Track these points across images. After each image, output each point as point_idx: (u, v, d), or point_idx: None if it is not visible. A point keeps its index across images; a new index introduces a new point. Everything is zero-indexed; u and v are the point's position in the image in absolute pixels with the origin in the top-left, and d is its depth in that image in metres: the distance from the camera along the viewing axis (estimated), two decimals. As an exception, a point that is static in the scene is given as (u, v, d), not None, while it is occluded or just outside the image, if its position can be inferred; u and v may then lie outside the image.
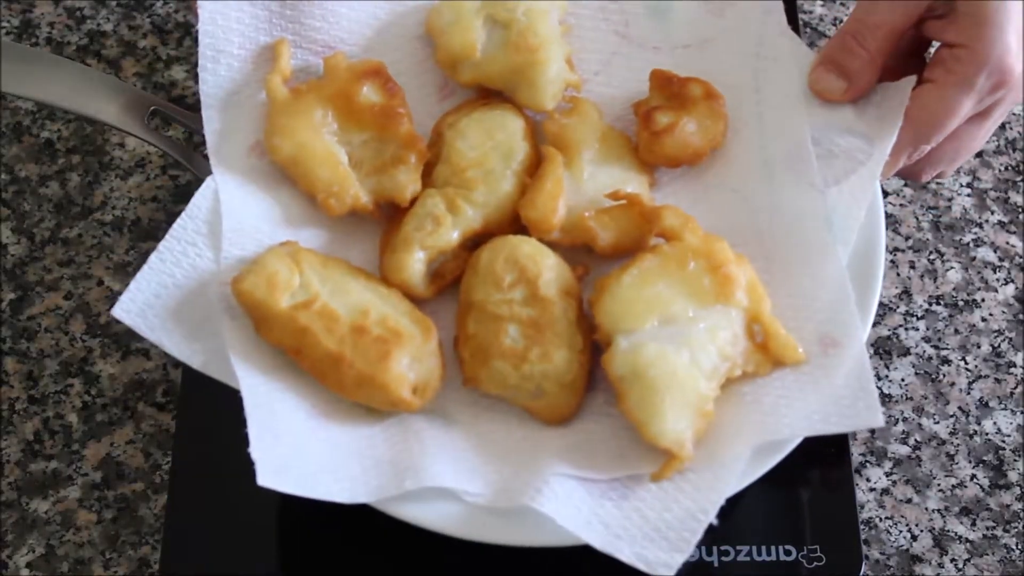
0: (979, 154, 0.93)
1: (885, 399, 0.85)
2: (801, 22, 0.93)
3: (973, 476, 0.83)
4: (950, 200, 0.92)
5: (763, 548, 0.76)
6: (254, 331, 0.72)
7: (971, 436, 0.84)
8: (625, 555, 0.66)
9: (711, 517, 0.68)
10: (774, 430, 0.70)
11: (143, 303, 0.72)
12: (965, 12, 0.71)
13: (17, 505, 0.81)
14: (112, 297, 0.86)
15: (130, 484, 0.81)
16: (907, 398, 0.85)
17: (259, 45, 0.81)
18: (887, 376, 0.86)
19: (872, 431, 0.83)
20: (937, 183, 0.92)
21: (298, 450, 0.69)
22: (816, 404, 0.70)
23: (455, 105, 0.82)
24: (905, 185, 0.92)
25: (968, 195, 0.92)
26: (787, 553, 0.76)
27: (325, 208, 0.77)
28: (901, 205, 0.92)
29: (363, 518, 0.73)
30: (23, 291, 0.88)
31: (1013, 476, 0.83)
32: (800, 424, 0.70)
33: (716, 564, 0.75)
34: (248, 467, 0.65)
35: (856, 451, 0.83)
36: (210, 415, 0.79)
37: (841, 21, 0.98)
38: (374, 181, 0.78)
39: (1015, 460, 0.84)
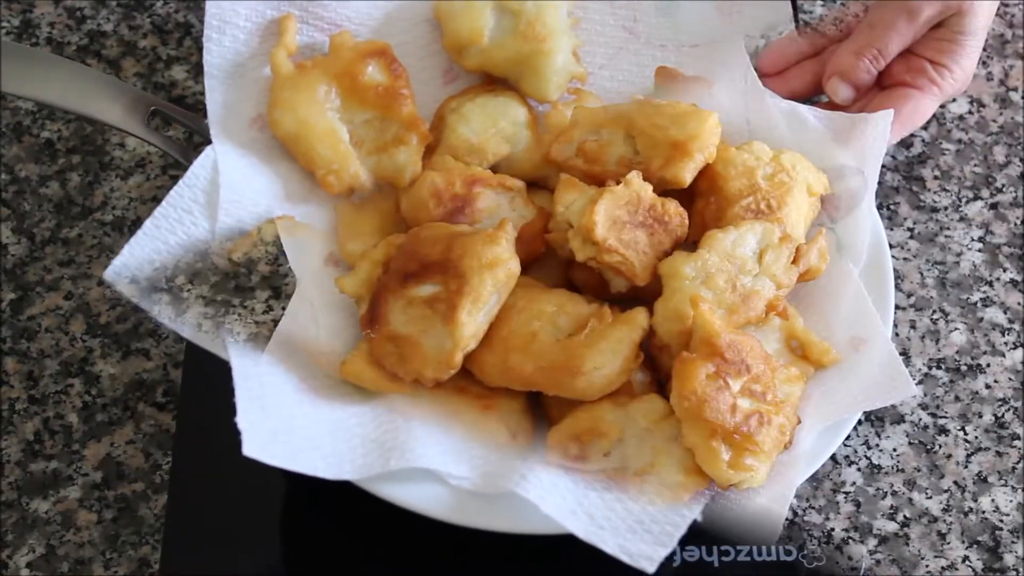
0: (993, 206, 0.90)
1: (874, 469, 0.80)
2: (801, 22, 0.93)
3: (966, 558, 0.78)
4: (959, 255, 0.89)
5: (763, 548, 0.76)
6: None
7: (966, 514, 0.79)
8: (609, 546, 0.66)
9: (696, 513, 0.68)
10: (826, 415, 0.73)
11: (135, 269, 0.72)
12: (950, 39, 0.85)
13: (17, 505, 0.80)
14: (112, 297, 0.86)
15: (130, 484, 0.81)
16: (898, 469, 0.80)
17: (265, 19, 0.81)
18: (877, 445, 0.81)
19: (857, 504, 0.78)
20: (946, 236, 0.89)
21: (285, 424, 0.69)
22: (857, 388, 0.73)
23: (459, 90, 0.82)
24: (911, 238, 0.89)
25: (979, 250, 0.89)
26: (787, 553, 0.76)
27: (324, 185, 0.77)
28: (905, 259, 0.88)
29: (363, 518, 0.73)
30: (23, 291, 0.88)
31: (1010, 559, 0.77)
32: (846, 405, 0.73)
33: (716, 564, 0.75)
34: (248, 467, 0.65)
35: (838, 526, 0.78)
36: (210, 415, 0.78)
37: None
38: (374, 161, 0.78)
39: (1013, 542, 0.78)
